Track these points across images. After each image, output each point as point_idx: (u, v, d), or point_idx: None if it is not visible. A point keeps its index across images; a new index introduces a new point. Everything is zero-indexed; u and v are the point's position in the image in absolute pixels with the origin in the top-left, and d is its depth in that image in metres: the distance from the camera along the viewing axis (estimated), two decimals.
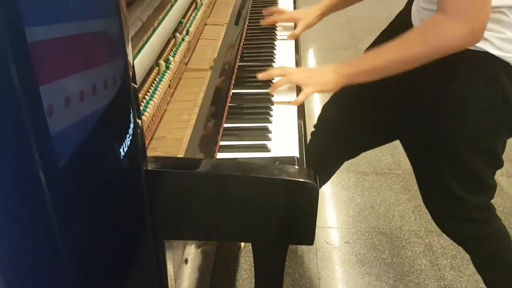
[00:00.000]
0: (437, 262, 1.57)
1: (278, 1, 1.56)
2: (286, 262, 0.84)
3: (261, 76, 1.00)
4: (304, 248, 1.63)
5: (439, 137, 1.01)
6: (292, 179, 0.69)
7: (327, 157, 1.30)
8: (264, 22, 1.32)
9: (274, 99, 0.97)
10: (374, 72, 0.93)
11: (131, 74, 0.60)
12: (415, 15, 1.01)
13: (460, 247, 1.21)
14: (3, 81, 0.39)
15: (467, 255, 1.20)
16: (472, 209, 1.06)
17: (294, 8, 1.54)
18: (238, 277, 1.51)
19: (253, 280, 1.50)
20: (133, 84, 0.60)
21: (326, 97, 1.33)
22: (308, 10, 1.28)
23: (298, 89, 1.00)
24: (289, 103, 0.95)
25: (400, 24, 1.08)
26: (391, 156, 2.07)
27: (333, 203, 1.84)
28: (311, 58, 3.01)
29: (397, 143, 1.20)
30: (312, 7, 1.29)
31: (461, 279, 1.51)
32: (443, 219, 1.12)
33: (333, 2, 1.26)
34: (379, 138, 1.26)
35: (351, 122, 1.23)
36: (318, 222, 0.74)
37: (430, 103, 1.00)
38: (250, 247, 1.56)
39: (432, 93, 0.98)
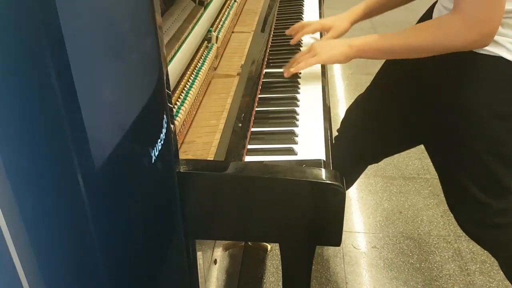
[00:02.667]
0: (466, 267, 1.55)
1: (303, 5, 1.58)
2: (313, 266, 0.85)
3: (287, 71, 1.09)
4: (331, 252, 1.63)
5: (459, 142, 1.01)
6: (319, 181, 0.71)
7: (350, 162, 1.31)
8: (293, 42, 1.27)
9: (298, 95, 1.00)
10: (385, 52, 1.00)
11: (165, 81, 0.63)
12: (436, 16, 1.02)
13: None
14: (45, 88, 0.42)
15: None
16: (495, 214, 1.05)
17: (320, 9, 1.55)
18: (265, 280, 1.53)
19: (280, 283, 1.52)
20: (166, 90, 0.64)
21: (351, 101, 1.34)
22: (337, 18, 1.25)
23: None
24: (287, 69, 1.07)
25: None
26: (419, 161, 2.05)
27: (360, 208, 1.84)
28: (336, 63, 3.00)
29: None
30: (341, 14, 1.25)
31: (491, 284, 1.49)
32: (467, 224, 1.12)
33: (365, 10, 1.24)
34: (402, 143, 1.27)
35: (375, 127, 1.23)
36: (345, 227, 0.75)
37: (450, 108, 1.00)
38: (276, 250, 1.58)
39: (451, 97, 0.99)
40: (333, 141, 1.32)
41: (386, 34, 0.99)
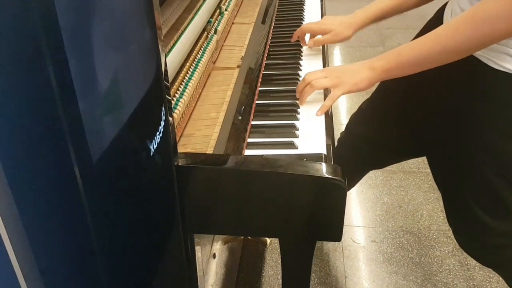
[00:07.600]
0: (466, 262, 1.54)
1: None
2: (312, 260, 0.84)
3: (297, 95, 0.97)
4: (330, 246, 1.63)
5: (464, 160, 0.96)
6: (319, 175, 0.70)
7: (351, 167, 1.25)
8: (303, 44, 1.21)
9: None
10: (414, 64, 0.86)
11: (163, 73, 0.62)
12: (449, 17, 0.95)
13: None
14: (41, 81, 0.41)
15: None
16: (497, 235, 1.00)
17: (321, 4, 1.53)
18: (264, 274, 1.53)
19: (279, 277, 1.52)
20: (165, 82, 0.62)
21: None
22: (341, 22, 1.12)
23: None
24: (317, 112, 0.93)
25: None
26: None
27: (359, 202, 1.84)
28: (337, 55, 2.99)
29: None
30: (346, 17, 1.12)
31: (491, 279, 1.48)
32: (466, 241, 1.07)
33: (376, 13, 1.10)
34: (405, 155, 1.23)
35: (378, 139, 1.19)
36: (345, 221, 0.74)
37: (458, 126, 0.95)
38: (276, 243, 1.58)
39: (460, 115, 0.94)
40: (336, 144, 1.30)
41: (409, 43, 0.86)
